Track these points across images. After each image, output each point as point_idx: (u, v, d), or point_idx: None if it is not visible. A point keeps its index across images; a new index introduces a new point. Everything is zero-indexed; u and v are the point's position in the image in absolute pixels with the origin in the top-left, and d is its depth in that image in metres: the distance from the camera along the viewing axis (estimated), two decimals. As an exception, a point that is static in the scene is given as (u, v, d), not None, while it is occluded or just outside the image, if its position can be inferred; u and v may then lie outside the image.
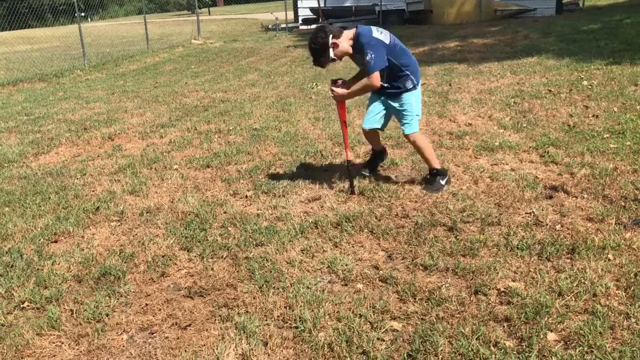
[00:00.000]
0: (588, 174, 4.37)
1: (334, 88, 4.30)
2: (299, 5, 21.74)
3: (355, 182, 4.48)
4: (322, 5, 19.77)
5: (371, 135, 4.56)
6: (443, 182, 4.33)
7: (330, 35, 4.03)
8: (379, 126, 4.43)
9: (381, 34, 4.09)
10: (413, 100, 4.22)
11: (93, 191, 4.87)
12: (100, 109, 8.50)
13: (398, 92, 4.20)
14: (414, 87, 4.22)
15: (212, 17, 34.29)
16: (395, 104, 4.25)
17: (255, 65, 12.42)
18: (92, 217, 4.31)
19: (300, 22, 21.23)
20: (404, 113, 4.23)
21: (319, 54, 4.08)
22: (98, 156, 5.95)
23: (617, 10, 17.87)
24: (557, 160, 4.73)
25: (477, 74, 8.90)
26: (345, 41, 4.08)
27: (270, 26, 22.65)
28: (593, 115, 5.94)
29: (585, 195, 4.01)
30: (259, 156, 5.51)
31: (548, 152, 4.95)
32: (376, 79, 4.03)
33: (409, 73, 4.16)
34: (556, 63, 9.14)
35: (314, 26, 20.16)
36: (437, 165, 4.35)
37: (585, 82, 7.47)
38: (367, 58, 3.96)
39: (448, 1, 18.98)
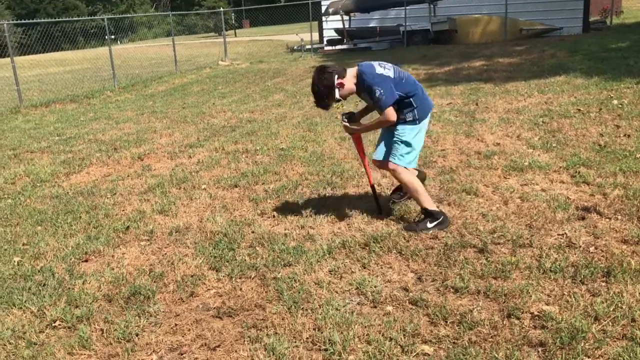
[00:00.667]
0: (621, 194, 4.28)
1: (345, 123, 4.18)
2: (324, 27, 21.94)
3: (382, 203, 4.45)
4: (346, 26, 19.92)
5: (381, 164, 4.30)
6: (430, 226, 3.97)
7: (335, 75, 3.87)
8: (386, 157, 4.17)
9: (385, 69, 3.95)
10: (408, 134, 3.99)
11: (123, 210, 4.94)
12: (130, 129, 8.64)
13: (397, 124, 4.00)
14: (414, 122, 3.99)
15: (239, 38, 34.79)
16: (392, 133, 4.06)
17: (281, 85, 12.53)
18: (122, 236, 4.36)
19: (325, 42, 21.38)
20: (396, 144, 4.02)
21: (324, 96, 3.92)
22: (128, 176, 6.03)
23: (646, 28, 17.64)
24: (588, 181, 4.65)
25: (504, 93, 8.84)
26: (350, 80, 3.94)
27: (295, 47, 22.88)
28: (625, 135, 5.84)
29: (619, 217, 3.92)
30: (285, 176, 5.53)
31: (579, 172, 4.87)
32: (390, 114, 3.89)
33: (415, 106, 3.97)
34: (585, 82, 9.03)
35: (338, 47, 20.39)
36: (428, 205, 4.03)
37: (615, 101, 7.36)
38: (377, 95, 3.83)
39: (473, 21, 18.97)
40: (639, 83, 8.39)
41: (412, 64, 13.93)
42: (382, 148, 4.23)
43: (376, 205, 4.40)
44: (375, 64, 4.00)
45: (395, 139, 4.03)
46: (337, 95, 3.90)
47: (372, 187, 4.44)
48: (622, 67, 9.97)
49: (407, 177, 4.05)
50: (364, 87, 3.92)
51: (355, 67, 4.00)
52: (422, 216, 4.09)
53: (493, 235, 3.79)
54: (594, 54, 12.24)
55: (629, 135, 5.81)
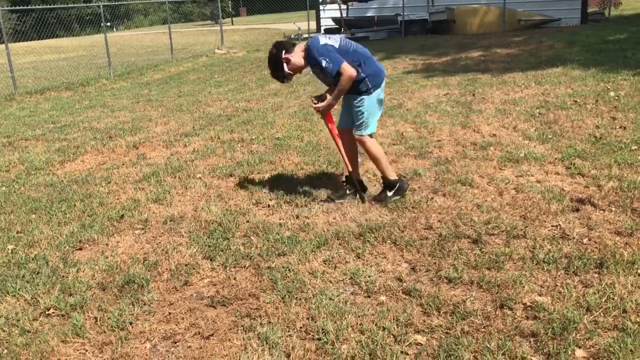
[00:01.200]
0: (616, 186, 4.29)
1: (315, 105, 4.26)
2: (321, 16, 21.84)
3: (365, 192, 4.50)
4: (344, 15, 19.83)
5: (346, 133, 4.38)
6: (390, 194, 4.33)
7: (283, 50, 4.09)
8: (351, 125, 4.33)
9: (329, 39, 4.11)
10: (365, 104, 4.18)
11: (118, 199, 4.92)
12: (125, 118, 8.61)
13: (352, 94, 4.17)
14: (367, 92, 4.17)
15: (235, 27, 34.62)
16: (351, 104, 4.25)
17: (277, 74, 12.47)
18: (117, 225, 4.35)
19: (322, 32, 21.30)
20: (358, 116, 4.21)
21: (274, 69, 4.16)
22: (123, 164, 6.02)
23: (644, 20, 17.61)
24: (583, 173, 4.66)
25: (501, 84, 8.83)
26: (297, 55, 4.12)
27: (292, 36, 22.76)
28: (620, 127, 5.85)
29: (613, 209, 3.93)
30: (281, 165, 5.52)
31: (574, 164, 4.87)
32: (346, 68, 3.97)
33: (364, 76, 4.12)
34: (582, 73, 9.02)
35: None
36: (388, 173, 4.34)
37: (612, 93, 7.36)
38: (324, 65, 3.97)
39: (471, 11, 18.90)
40: (636, 75, 8.38)
41: (410, 54, 13.89)
42: (345, 117, 4.43)
43: (359, 195, 4.45)
44: (321, 36, 4.17)
45: (355, 110, 4.22)
46: (286, 69, 4.11)
47: (349, 176, 4.49)
48: (620, 59, 9.96)
49: (372, 146, 4.29)
50: (312, 62, 4.07)
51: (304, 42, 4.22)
52: (382, 187, 4.43)
53: (487, 226, 3.80)
54: (591, 46, 12.22)
55: (624, 127, 5.81)
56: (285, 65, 4.11)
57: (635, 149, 5.10)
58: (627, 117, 6.17)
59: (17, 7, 15.17)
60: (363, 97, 4.18)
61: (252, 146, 6.36)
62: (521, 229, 3.72)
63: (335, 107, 4.27)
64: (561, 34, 15.36)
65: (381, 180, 4.47)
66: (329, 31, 20.58)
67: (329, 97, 4.19)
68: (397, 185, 4.34)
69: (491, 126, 6.36)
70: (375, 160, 4.35)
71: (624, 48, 11.28)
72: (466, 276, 3.19)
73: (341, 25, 19.91)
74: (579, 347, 2.51)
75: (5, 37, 11.94)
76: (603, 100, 7.05)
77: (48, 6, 16.11)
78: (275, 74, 4.22)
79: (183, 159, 5.99)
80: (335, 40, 4.12)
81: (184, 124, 7.80)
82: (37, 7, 17.52)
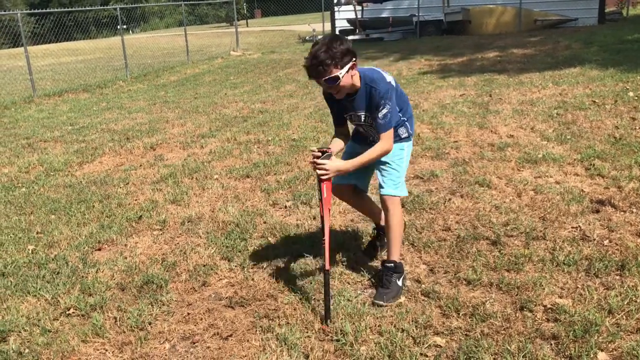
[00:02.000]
0: (636, 187, 4.24)
1: (320, 161, 2.92)
2: (336, 17, 21.83)
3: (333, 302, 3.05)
4: (359, 16, 19.81)
5: (345, 193, 3.43)
6: (400, 283, 3.13)
7: (353, 55, 2.90)
8: (354, 181, 3.34)
9: (388, 75, 3.08)
10: (405, 154, 3.22)
11: (136, 200, 4.96)
12: (142, 119, 8.67)
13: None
14: (409, 137, 3.26)
15: (250, 28, 34.74)
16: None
17: (293, 76, 12.50)
18: (135, 225, 4.38)
19: (337, 33, 21.29)
20: (391, 167, 3.15)
21: (330, 64, 2.80)
22: (140, 165, 6.06)
23: (663, 19, 17.38)
24: (603, 174, 4.61)
25: (518, 85, 8.76)
26: (357, 77, 3.00)
27: (307, 37, 22.80)
28: (640, 127, 5.78)
29: (634, 210, 3.88)
30: (297, 167, 5.53)
31: (594, 164, 4.82)
32: (390, 139, 3.02)
33: (405, 119, 3.22)
34: (600, 73, 8.93)
35: (351, 37, 20.29)
36: (397, 256, 3.18)
37: (631, 93, 7.27)
38: (384, 112, 2.95)
39: (487, 11, 18.78)
40: (655, 75, 8.28)
41: (425, 55, 13.84)
42: (363, 178, 3.40)
43: (325, 312, 2.92)
44: (379, 69, 3.11)
45: (393, 161, 3.16)
46: (343, 73, 2.83)
47: (327, 273, 2.94)
48: (638, 59, 9.84)
49: (400, 215, 3.17)
50: (364, 97, 3.02)
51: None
52: (385, 272, 3.15)
53: (506, 228, 3.77)
54: (609, 46, 12.09)
55: (644, 128, 5.74)
56: (349, 70, 2.86)
57: (656, 150, 5.04)
58: (647, 118, 6.09)
59: (36, 11, 15.33)
60: (403, 144, 3.22)
61: (269, 147, 6.37)
62: (540, 231, 3.69)
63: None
64: (578, 34, 15.22)
65: (382, 263, 3.26)
66: (343, 32, 20.59)
67: (342, 162, 3.04)
68: (403, 271, 3.23)
69: (508, 127, 6.31)
70: (395, 233, 3.16)
71: (643, 48, 11.14)
72: (485, 278, 3.17)
73: (356, 26, 19.89)
74: (601, 350, 2.48)
75: (24, 39, 12.09)
76: (622, 101, 6.97)
77: (66, 9, 16.27)
78: (329, 69, 2.81)
79: (200, 160, 6.02)
80: (391, 77, 3.10)
81: (200, 126, 7.84)
82: (55, 10, 17.71)
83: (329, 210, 3.01)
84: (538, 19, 18.49)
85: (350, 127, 3.30)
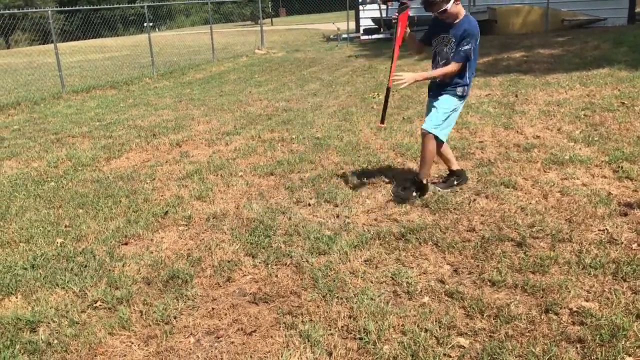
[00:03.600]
0: (666, 191, 4.17)
1: (398, 75, 4.06)
2: (360, 16, 21.78)
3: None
4: (384, 15, 19.74)
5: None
6: (415, 195, 4.37)
7: None
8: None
9: (478, 33, 4.09)
10: (454, 106, 4.19)
11: (162, 196, 5.02)
12: (168, 116, 8.77)
13: (447, 91, 4.18)
14: (463, 98, 4.22)
15: (275, 27, 34.86)
16: (436, 99, 4.23)
17: (317, 74, 12.52)
18: (161, 221, 4.44)
19: (361, 32, 21.26)
20: (438, 111, 4.17)
21: (440, 0, 3.94)
22: (166, 162, 6.13)
23: (696, 19, 17.00)
24: (631, 176, 4.54)
25: (545, 85, 8.66)
26: (461, 8, 4.06)
27: (331, 36, 22.80)
28: (671, 130, 5.67)
29: (664, 214, 3.82)
30: (321, 165, 5.54)
31: (622, 167, 4.75)
32: (458, 67, 4.04)
33: (468, 82, 4.18)
34: (629, 75, 8.77)
35: (375, 36, 20.25)
36: (424, 177, 4.37)
37: (661, 95, 7.13)
38: (466, 47, 3.97)
39: (513, 11, 18.57)
40: (687, 76, 8.10)
41: (450, 55, 13.73)
42: (427, 118, 4.32)
43: (382, 114, 4.40)
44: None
45: (437, 106, 4.18)
46: (449, 7, 3.95)
47: (389, 89, 4.31)
48: (670, 60, 9.65)
49: (433, 150, 4.24)
50: (461, 27, 4.00)
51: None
52: (409, 184, 4.45)
53: (532, 229, 3.74)
54: (639, 46, 11.86)
55: (675, 130, 5.63)
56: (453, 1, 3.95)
57: (687, 153, 4.94)
58: (678, 120, 5.98)
59: (65, 8, 15.59)
60: (456, 99, 4.18)
61: (292, 145, 6.39)
62: (567, 233, 3.65)
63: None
64: (607, 34, 14.95)
65: (413, 178, 4.46)
66: (368, 31, 20.54)
67: (416, 73, 4.16)
68: (423, 189, 4.41)
69: (535, 128, 6.24)
70: (425, 160, 4.30)
71: (675, 49, 10.92)
72: (510, 279, 3.15)
73: (380, 25, 19.83)
74: (629, 355, 2.45)
75: (54, 36, 12.30)
76: (652, 102, 6.84)
77: (94, 7, 16.51)
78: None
79: (225, 158, 6.07)
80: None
81: (225, 123, 7.90)
82: (83, 7, 17.98)
83: (399, 46, 4.24)
84: (566, 19, 18.22)
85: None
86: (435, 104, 4.22)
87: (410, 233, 3.82)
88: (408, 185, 4.44)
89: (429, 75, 4.18)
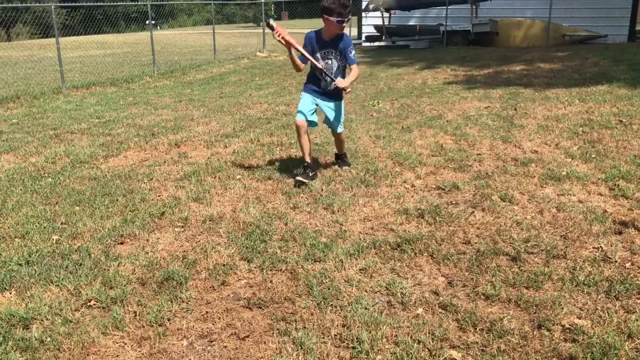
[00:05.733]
0: (661, 211, 4.19)
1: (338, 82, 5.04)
2: (363, 22, 21.86)
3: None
4: (386, 23, 19.82)
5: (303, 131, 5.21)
6: (348, 160, 5.73)
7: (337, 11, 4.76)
8: (315, 120, 5.31)
9: None
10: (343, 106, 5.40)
11: (159, 196, 5.03)
12: (168, 116, 8.77)
13: (339, 96, 5.26)
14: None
15: (277, 30, 34.84)
16: (336, 105, 5.29)
17: (317, 79, 12.53)
18: (158, 221, 4.44)
19: (363, 39, 21.33)
20: (341, 115, 5.37)
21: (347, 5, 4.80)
22: (164, 162, 6.13)
23: (695, 40, 17.11)
24: (627, 195, 4.56)
25: (544, 100, 8.71)
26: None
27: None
28: (668, 150, 5.71)
29: (658, 234, 3.84)
30: (319, 171, 5.55)
31: (618, 185, 4.78)
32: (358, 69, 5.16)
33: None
34: (628, 92, 8.83)
35: (377, 44, 20.32)
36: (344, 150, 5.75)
37: (659, 114, 7.18)
38: (354, 52, 5.03)
39: (515, 24, 18.67)
40: (685, 97, 8.16)
41: (451, 65, 13.81)
42: (335, 121, 5.36)
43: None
44: None
45: (341, 110, 5.36)
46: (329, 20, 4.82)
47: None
48: (668, 79, 9.71)
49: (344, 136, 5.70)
50: (342, 40, 4.96)
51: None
52: (342, 156, 5.73)
53: (527, 244, 3.76)
54: (639, 64, 11.95)
55: (672, 150, 5.67)
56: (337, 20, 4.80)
57: (682, 174, 4.98)
58: (675, 140, 6.02)
59: (68, 4, 15.59)
60: (342, 100, 5.36)
61: (291, 150, 6.41)
62: (561, 249, 3.67)
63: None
64: (607, 51, 15.05)
65: (340, 156, 5.74)
66: (370, 38, 20.61)
67: (348, 79, 5.06)
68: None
69: (533, 142, 6.28)
70: (343, 143, 5.67)
71: (674, 68, 10.99)
72: (504, 294, 3.16)
73: (382, 32, 19.90)
74: (619, 374, 2.47)
75: (56, 31, 12.30)
76: (650, 121, 6.88)
77: (97, 3, 16.52)
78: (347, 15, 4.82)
79: (223, 160, 6.08)
80: None
81: (224, 125, 7.92)
82: (86, 3, 17.98)
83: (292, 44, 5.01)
84: (567, 34, 18.33)
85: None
86: (336, 108, 5.31)
87: (406, 243, 3.83)
88: (343, 159, 5.71)
89: (352, 79, 5.07)
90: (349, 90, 5.16)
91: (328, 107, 5.29)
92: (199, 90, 11.61)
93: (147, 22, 15.57)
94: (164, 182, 5.43)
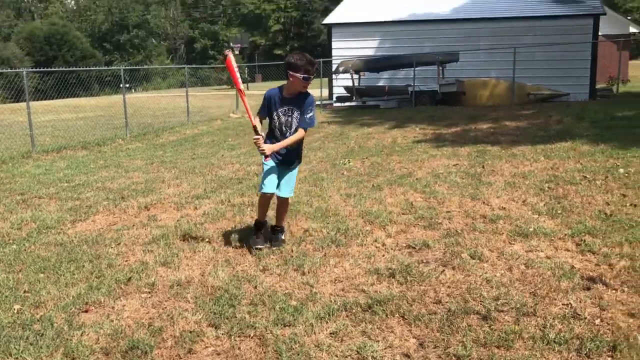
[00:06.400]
0: (628, 266, 4.25)
1: (262, 145, 4.71)
2: (334, 84, 22.37)
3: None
4: (356, 84, 20.31)
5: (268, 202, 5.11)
6: (283, 237, 5.19)
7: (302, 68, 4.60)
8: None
9: None
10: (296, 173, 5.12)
11: (126, 261, 4.93)
12: (139, 179, 8.72)
13: (296, 162, 5.04)
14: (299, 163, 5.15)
15: (250, 92, 35.33)
16: (291, 169, 5.02)
17: (289, 140, 12.67)
18: (124, 287, 4.34)
19: (334, 99, 21.77)
20: (293, 179, 5.06)
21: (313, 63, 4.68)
22: (133, 225, 6.05)
23: (652, 97, 17.87)
24: (594, 250, 4.63)
25: (511, 157, 8.91)
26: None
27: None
28: (631, 204, 5.84)
29: (626, 289, 3.88)
30: (290, 231, 5.53)
31: (584, 240, 4.85)
32: (304, 134, 4.87)
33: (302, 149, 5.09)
34: (591, 149, 9.10)
35: (347, 104, 20.75)
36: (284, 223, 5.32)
37: (621, 170, 7.39)
38: (311, 114, 4.77)
39: (481, 83, 19.31)
40: (645, 152, 8.43)
41: (420, 124, 14.11)
42: (284, 184, 5.02)
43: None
44: None
45: (293, 175, 5.05)
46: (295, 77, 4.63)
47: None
48: (629, 136, 10.06)
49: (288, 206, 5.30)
50: (305, 99, 4.74)
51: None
52: (278, 230, 5.25)
53: (497, 302, 3.75)
54: (600, 122, 12.38)
55: (635, 205, 5.81)
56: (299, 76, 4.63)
57: (646, 228, 5.08)
58: (638, 195, 6.17)
59: (41, 69, 15.67)
60: (297, 168, 5.15)
61: (262, 211, 6.37)
62: (531, 306, 3.67)
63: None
64: (570, 108, 15.60)
65: (278, 229, 5.27)
66: (341, 99, 21.05)
67: (273, 145, 4.79)
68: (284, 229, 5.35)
69: (501, 199, 6.38)
70: (286, 213, 5.29)
71: (633, 125, 11.41)
72: (475, 354, 3.13)
73: (353, 93, 20.36)
74: None
75: (27, 96, 12.29)
76: (613, 177, 7.08)
77: (70, 68, 16.64)
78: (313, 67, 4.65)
79: (193, 222, 6.03)
80: None
81: (196, 186, 7.89)
82: (60, 69, 18.09)
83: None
84: (531, 93, 18.99)
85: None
86: (289, 173, 5.01)
87: (377, 304, 3.79)
88: (278, 236, 5.20)
89: (285, 144, 4.79)
90: (269, 156, 4.77)
91: (282, 168, 5.00)
92: (171, 152, 11.62)
93: (121, 85, 15.67)
94: (132, 246, 5.34)
